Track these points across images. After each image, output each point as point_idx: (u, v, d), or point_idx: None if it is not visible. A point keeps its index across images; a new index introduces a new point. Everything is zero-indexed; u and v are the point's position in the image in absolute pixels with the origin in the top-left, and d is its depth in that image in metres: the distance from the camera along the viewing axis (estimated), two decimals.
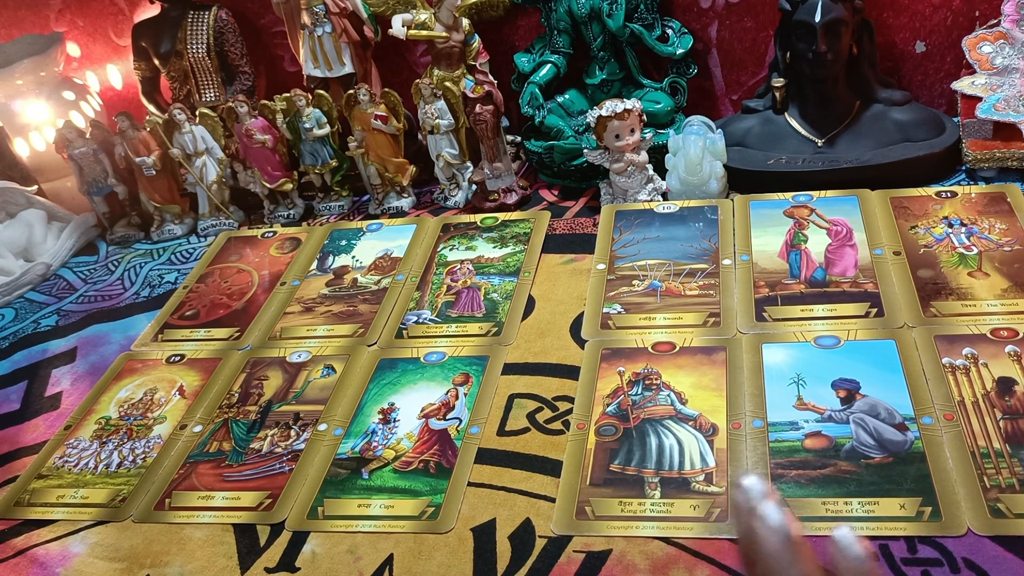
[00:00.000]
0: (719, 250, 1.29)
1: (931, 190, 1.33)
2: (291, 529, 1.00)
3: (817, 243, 1.26)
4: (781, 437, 0.97)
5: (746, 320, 1.16)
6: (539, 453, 1.03)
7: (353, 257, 1.48)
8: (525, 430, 1.07)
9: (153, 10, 1.81)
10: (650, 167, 1.45)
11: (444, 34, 1.60)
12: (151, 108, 1.85)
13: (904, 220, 1.28)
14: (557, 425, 1.07)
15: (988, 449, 0.91)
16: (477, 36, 1.64)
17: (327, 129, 1.64)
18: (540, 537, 0.93)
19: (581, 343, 1.19)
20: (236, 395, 1.23)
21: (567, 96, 1.63)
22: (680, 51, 1.55)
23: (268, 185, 1.68)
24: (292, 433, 1.14)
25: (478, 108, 1.49)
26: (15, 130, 1.84)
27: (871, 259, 1.22)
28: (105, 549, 1.02)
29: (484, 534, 0.94)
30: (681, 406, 1.04)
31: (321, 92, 1.65)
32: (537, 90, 1.58)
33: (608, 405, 1.07)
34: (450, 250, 1.44)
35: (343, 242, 1.53)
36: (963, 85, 1.41)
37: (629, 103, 1.40)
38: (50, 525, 1.08)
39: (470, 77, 1.60)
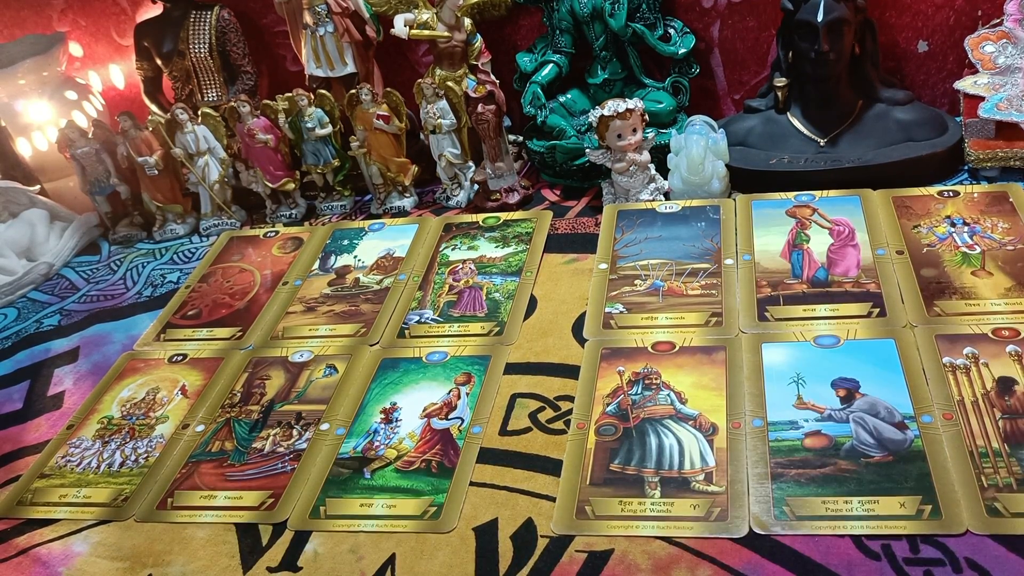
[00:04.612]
0: (721, 250, 1.29)
1: (933, 189, 1.33)
2: (293, 529, 1.00)
3: (819, 243, 1.26)
4: (781, 436, 0.97)
5: (748, 320, 1.15)
6: (541, 453, 1.03)
7: (355, 257, 1.48)
8: (527, 430, 1.07)
9: (155, 10, 1.81)
10: (652, 167, 1.45)
11: (446, 34, 1.60)
12: (153, 108, 1.85)
13: (907, 219, 1.27)
14: (559, 425, 1.07)
15: (987, 449, 0.91)
16: (479, 36, 1.64)
17: (329, 129, 1.65)
18: (542, 537, 0.93)
19: (583, 343, 1.19)
20: (238, 395, 1.23)
21: (569, 96, 1.63)
22: (682, 51, 1.55)
23: (270, 185, 1.68)
24: (294, 433, 1.14)
25: (480, 108, 1.50)
26: (18, 130, 1.85)
27: (873, 259, 1.21)
28: (107, 548, 1.03)
29: (486, 534, 0.94)
30: (681, 405, 1.04)
31: (323, 92, 1.66)
32: (539, 90, 1.58)
33: (608, 405, 1.07)
34: (452, 250, 1.44)
35: (345, 242, 1.53)
36: (966, 84, 1.40)
37: (631, 103, 1.40)
38: (52, 524, 1.08)
39: (472, 77, 1.61)
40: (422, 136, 1.64)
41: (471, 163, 1.64)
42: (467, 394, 1.14)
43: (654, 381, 1.09)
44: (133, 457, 1.16)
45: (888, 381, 1.02)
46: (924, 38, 1.52)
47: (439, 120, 1.57)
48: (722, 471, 0.95)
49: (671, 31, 1.57)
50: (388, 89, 1.62)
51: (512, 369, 1.18)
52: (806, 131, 1.47)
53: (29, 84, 1.84)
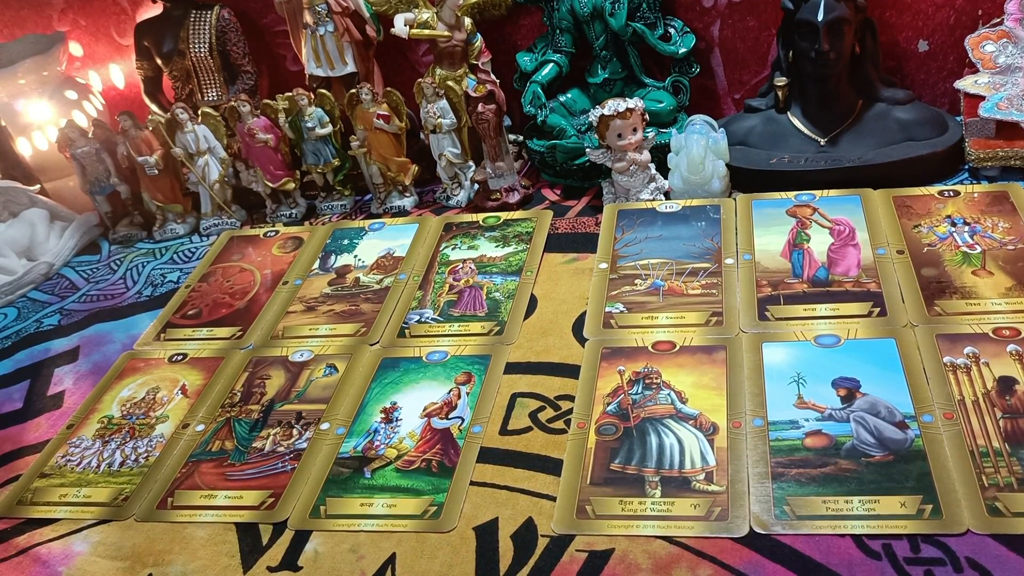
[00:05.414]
0: (721, 249, 1.29)
1: (934, 189, 1.33)
2: (293, 528, 1.00)
3: (820, 242, 1.26)
4: (781, 436, 0.97)
5: (748, 319, 1.15)
6: (541, 452, 1.03)
7: (355, 256, 1.48)
8: (527, 429, 1.07)
9: (155, 9, 1.81)
10: (652, 166, 1.45)
11: (446, 33, 1.60)
12: (153, 107, 1.85)
13: (907, 219, 1.27)
14: (559, 424, 1.07)
15: (987, 448, 0.91)
16: (479, 35, 1.64)
17: (329, 128, 1.65)
18: (543, 536, 0.93)
19: (583, 342, 1.19)
20: (238, 394, 1.23)
21: (569, 95, 1.63)
22: (682, 50, 1.55)
23: (270, 184, 1.68)
24: (294, 432, 1.14)
25: (480, 107, 1.49)
26: (18, 129, 1.85)
27: (874, 258, 1.21)
28: (107, 548, 1.03)
29: (486, 533, 0.94)
30: (681, 405, 1.04)
31: (323, 91, 1.66)
32: (539, 89, 1.58)
33: (608, 404, 1.07)
34: (452, 249, 1.44)
35: (345, 241, 1.53)
36: (966, 84, 1.40)
37: (631, 102, 1.39)
38: (53, 524, 1.08)
39: (472, 76, 1.60)
40: (422, 136, 1.64)
41: (471, 163, 1.64)
42: (467, 393, 1.14)
43: (654, 380, 1.09)
44: (133, 457, 1.16)
45: (889, 380, 1.01)
46: (924, 37, 1.52)
47: (439, 120, 1.57)
48: (722, 471, 0.95)
49: (671, 30, 1.57)
50: (388, 89, 1.62)
51: (512, 369, 1.18)
52: (806, 131, 1.46)
53: (29, 84, 1.84)
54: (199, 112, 1.68)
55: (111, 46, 1.97)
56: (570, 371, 1.14)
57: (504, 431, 1.08)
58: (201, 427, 1.18)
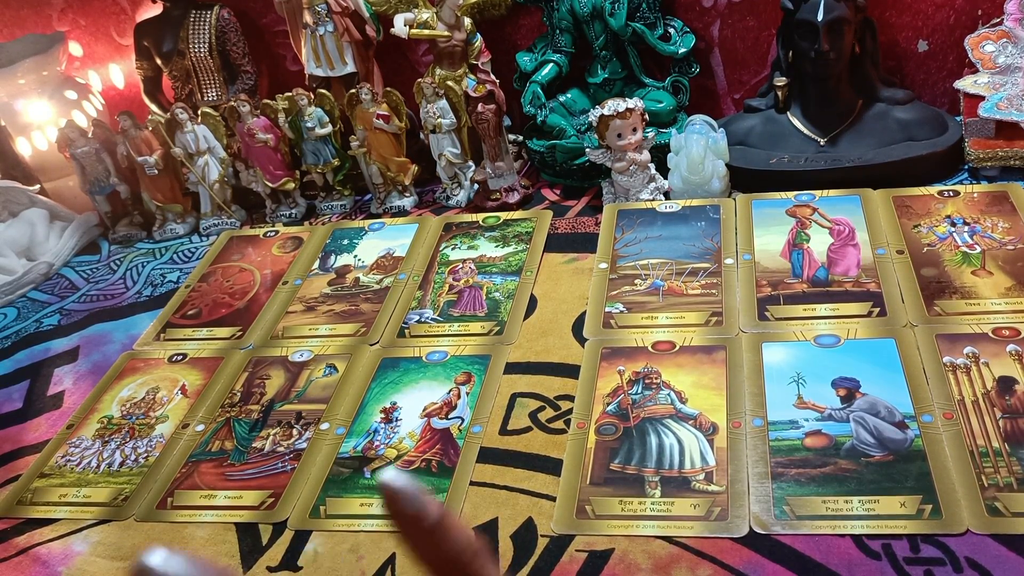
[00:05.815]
0: (721, 249, 1.29)
1: (933, 189, 1.33)
2: (293, 528, 1.00)
3: (819, 242, 1.26)
4: (781, 436, 0.97)
5: (748, 319, 1.15)
6: (541, 452, 1.03)
7: (355, 256, 1.48)
8: (527, 429, 1.07)
9: (155, 9, 1.81)
10: (652, 166, 1.45)
11: (446, 33, 1.60)
12: (153, 107, 1.85)
13: (907, 219, 1.27)
14: (559, 424, 1.07)
15: (987, 448, 0.91)
16: (479, 35, 1.64)
17: (329, 128, 1.64)
18: (542, 536, 0.93)
19: (583, 342, 1.19)
20: (238, 394, 1.23)
21: (569, 95, 1.63)
22: (682, 50, 1.55)
23: (270, 184, 1.68)
24: (294, 432, 1.14)
25: (480, 107, 1.49)
26: (17, 129, 1.85)
27: (873, 258, 1.21)
28: (107, 548, 1.03)
29: (486, 533, 0.94)
30: (681, 405, 1.04)
31: (323, 91, 1.65)
32: (539, 89, 1.58)
33: (608, 404, 1.07)
34: (452, 249, 1.44)
35: (345, 241, 1.53)
36: (966, 84, 1.40)
37: (631, 102, 1.40)
38: (52, 524, 1.08)
39: (472, 76, 1.60)
40: (422, 136, 1.64)
41: (471, 163, 1.64)
42: (467, 393, 1.14)
43: (654, 380, 1.09)
44: (133, 457, 1.16)
45: (888, 380, 1.02)
46: (924, 37, 1.52)
47: (439, 120, 1.57)
48: (722, 470, 0.95)
49: (671, 30, 1.57)
50: (388, 89, 1.62)
51: (512, 369, 1.18)
52: (806, 131, 1.46)
53: (29, 84, 1.84)
54: (199, 112, 1.68)
55: (111, 46, 1.97)
56: (570, 371, 1.14)
57: (504, 431, 1.08)
58: (201, 427, 1.18)
